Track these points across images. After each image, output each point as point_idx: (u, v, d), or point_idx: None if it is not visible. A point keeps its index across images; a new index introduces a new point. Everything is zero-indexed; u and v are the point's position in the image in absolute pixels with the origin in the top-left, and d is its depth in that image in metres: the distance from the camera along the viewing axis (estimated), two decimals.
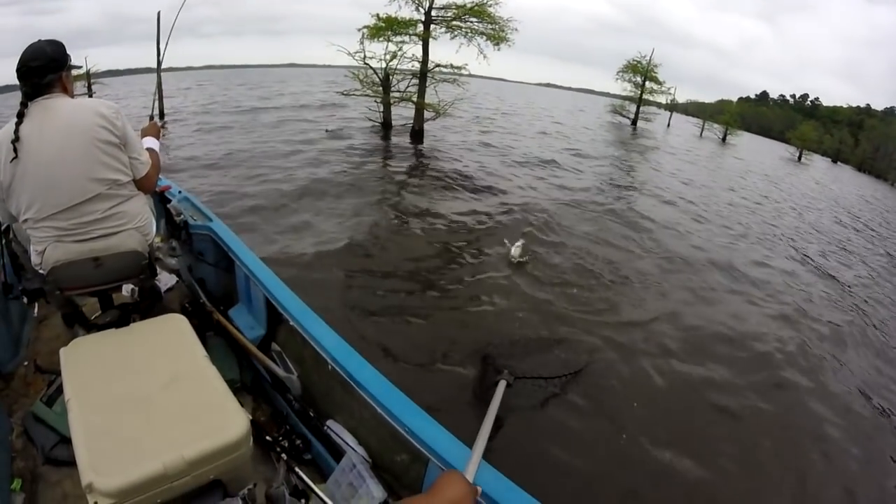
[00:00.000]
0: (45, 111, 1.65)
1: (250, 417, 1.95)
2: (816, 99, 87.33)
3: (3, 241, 2.27)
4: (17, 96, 1.74)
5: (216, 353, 2.14)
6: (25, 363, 2.33)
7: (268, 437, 1.88)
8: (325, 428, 1.77)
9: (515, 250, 4.89)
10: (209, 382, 1.41)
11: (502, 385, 2.17)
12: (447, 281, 5.18)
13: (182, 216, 2.71)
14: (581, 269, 5.64)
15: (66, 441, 1.65)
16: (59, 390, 1.82)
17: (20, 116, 1.64)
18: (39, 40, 1.75)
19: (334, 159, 10.38)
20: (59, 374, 1.50)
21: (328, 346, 1.67)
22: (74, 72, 1.93)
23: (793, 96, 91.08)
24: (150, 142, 2.06)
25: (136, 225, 1.82)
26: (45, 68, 1.67)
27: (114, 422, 1.26)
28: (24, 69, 1.67)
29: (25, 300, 2.26)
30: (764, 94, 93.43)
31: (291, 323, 1.88)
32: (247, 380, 2.23)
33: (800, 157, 36.31)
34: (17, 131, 1.61)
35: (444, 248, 6.00)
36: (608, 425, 3.40)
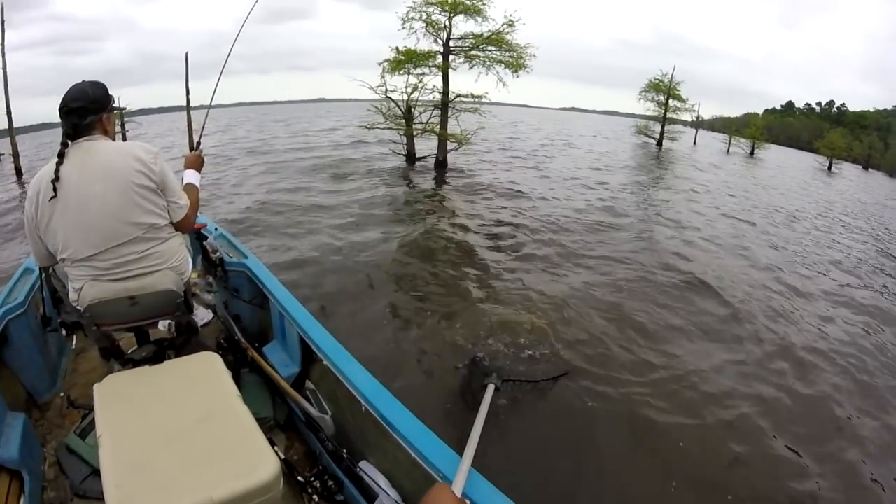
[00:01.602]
0: (85, 153, 1.68)
1: (282, 456, 1.89)
2: (843, 105, 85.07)
3: (43, 276, 2.35)
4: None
5: (250, 389, 2.15)
6: (61, 394, 2.36)
7: (300, 478, 1.88)
8: (358, 469, 1.73)
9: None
10: (241, 422, 1.40)
11: (491, 389, 2.19)
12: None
13: (218, 253, 2.75)
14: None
15: (98, 474, 1.58)
16: (94, 424, 1.73)
17: (61, 156, 1.66)
18: (83, 81, 1.77)
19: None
20: (92, 409, 1.50)
21: (361, 387, 1.67)
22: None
23: (819, 104, 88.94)
24: (191, 175, 2.07)
25: (172, 265, 1.83)
26: (85, 110, 1.69)
27: (144, 459, 1.27)
28: (65, 109, 1.68)
29: (64, 333, 2.31)
30: (789, 104, 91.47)
31: (325, 362, 1.88)
32: (280, 417, 2.21)
33: (830, 167, 35.13)
34: (57, 171, 1.63)
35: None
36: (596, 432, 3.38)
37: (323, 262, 6.21)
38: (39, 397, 2.32)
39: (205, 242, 2.84)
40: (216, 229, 3.10)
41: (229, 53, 2.50)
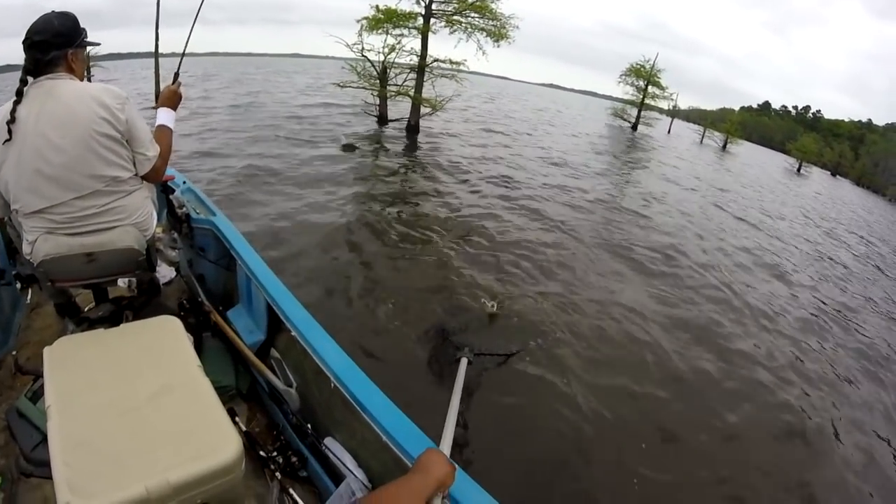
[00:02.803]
0: (46, 94, 1.52)
1: (244, 428, 1.83)
2: (818, 111, 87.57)
3: None
4: (15, 77, 1.56)
5: (212, 355, 2.05)
6: (14, 352, 2.22)
7: (262, 452, 1.79)
8: (323, 446, 1.65)
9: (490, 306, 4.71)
10: (202, 396, 1.32)
11: (464, 363, 2.15)
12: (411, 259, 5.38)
13: (184, 208, 2.59)
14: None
15: None
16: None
17: (19, 94, 1.51)
18: (52, 11, 1.60)
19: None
20: (42, 374, 1.40)
21: (331, 362, 1.57)
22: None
23: (795, 108, 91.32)
24: (165, 115, 1.88)
25: (135, 221, 1.69)
26: (48, 44, 1.52)
27: (96, 434, 1.17)
28: (28, 42, 1.52)
29: (18, 286, 2.18)
30: (766, 104, 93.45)
31: (293, 332, 1.76)
32: (243, 387, 2.09)
33: (799, 169, 36.34)
34: (13, 111, 1.48)
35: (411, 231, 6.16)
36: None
37: (289, 218, 6.14)
38: None
39: (171, 196, 2.66)
40: (184, 182, 2.93)
41: (200, 5, 2.31)
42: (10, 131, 1.48)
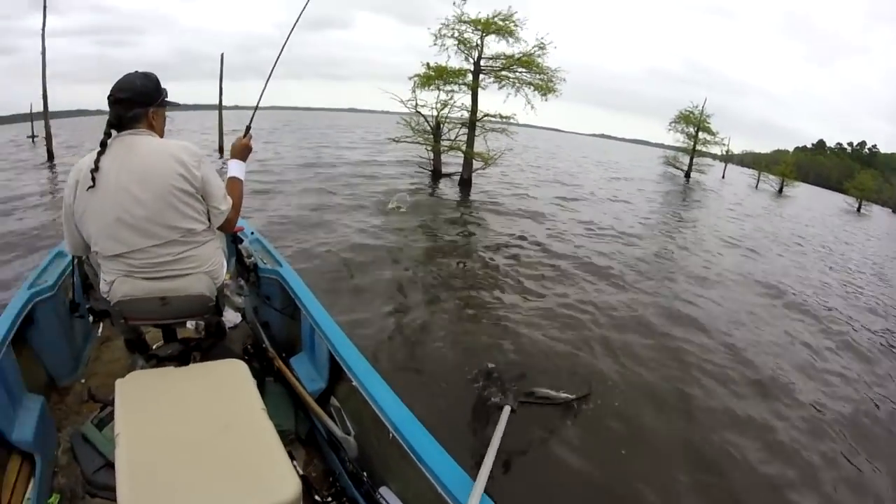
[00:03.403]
0: (127, 148, 1.63)
1: (301, 472, 1.82)
2: (874, 146, 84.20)
3: (76, 261, 2.33)
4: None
5: (273, 400, 2.08)
6: (82, 381, 2.38)
7: (317, 497, 1.84)
8: (378, 495, 1.69)
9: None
10: (263, 436, 1.35)
11: (506, 412, 2.09)
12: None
13: (252, 258, 2.72)
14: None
15: (111, 466, 1.60)
16: (112, 416, 1.70)
17: (103, 146, 1.63)
18: (135, 72, 1.73)
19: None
20: (111, 403, 1.48)
21: (389, 411, 1.61)
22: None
23: (850, 144, 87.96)
24: (236, 167, 1.99)
25: (207, 269, 1.79)
26: (131, 102, 1.65)
27: (160, 464, 1.23)
28: (112, 98, 1.65)
29: (91, 319, 2.30)
30: (821, 143, 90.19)
31: (354, 382, 1.84)
32: (302, 432, 2.14)
33: (859, 209, 34.26)
34: (97, 161, 1.60)
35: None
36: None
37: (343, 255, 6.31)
38: (60, 381, 2.31)
39: (240, 246, 2.80)
40: (252, 233, 3.08)
41: (276, 60, 2.43)
42: (93, 179, 1.58)
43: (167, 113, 1.85)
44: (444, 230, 8.79)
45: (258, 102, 2.40)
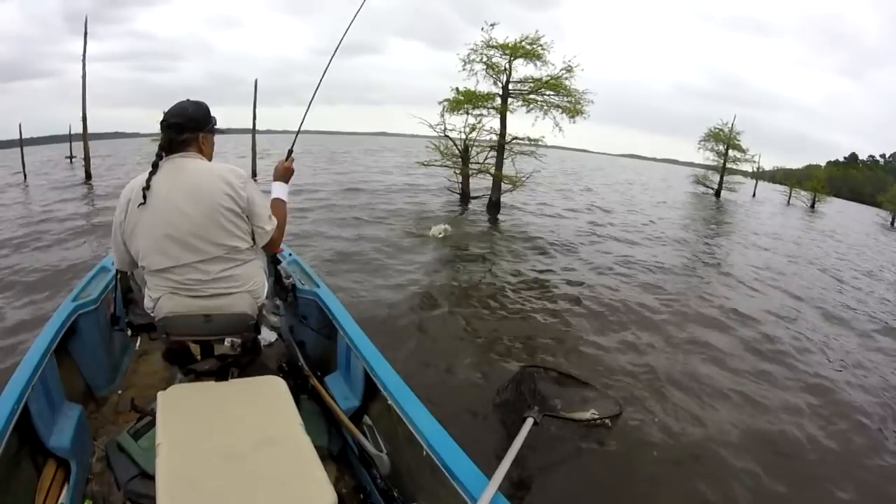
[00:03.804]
0: (177, 169, 1.74)
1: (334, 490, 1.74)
2: None
3: (118, 276, 2.41)
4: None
5: (307, 417, 2.19)
6: (119, 392, 2.47)
7: None
8: None
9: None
10: (301, 450, 1.39)
11: (529, 423, 2.08)
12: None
13: (291, 279, 2.80)
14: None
15: (145, 477, 1.67)
16: (148, 427, 1.84)
17: (154, 167, 1.73)
18: (187, 100, 1.85)
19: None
20: (152, 413, 1.53)
21: (424, 430, 1.64)
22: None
23: (882, 156, 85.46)
24: (279, 189, 2.07)
25: (249, 288, 1.85)
26: (182, 126, 1.76)
27: (200, 475, 1.26)
28: (165, 123, 1.77)
29: (129, 333, 2.37)
30: (853, 156, 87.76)
31: (389, 400, 1.87)
32: (334, 448, 2.20)
33: (893, 222, 32.92)
34: (149, 180, 1.70)
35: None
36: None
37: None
38: (97, 391, 2.41)
39: (279, 266, 2.89)
40: (290, 255, 3.19)
41: (318, 86, 2.55)
42: (144, 197, 1.68)
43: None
44: (473, 250, 8.83)
45: (300, 127, 2.53)
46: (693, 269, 9.45)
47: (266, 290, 1.99)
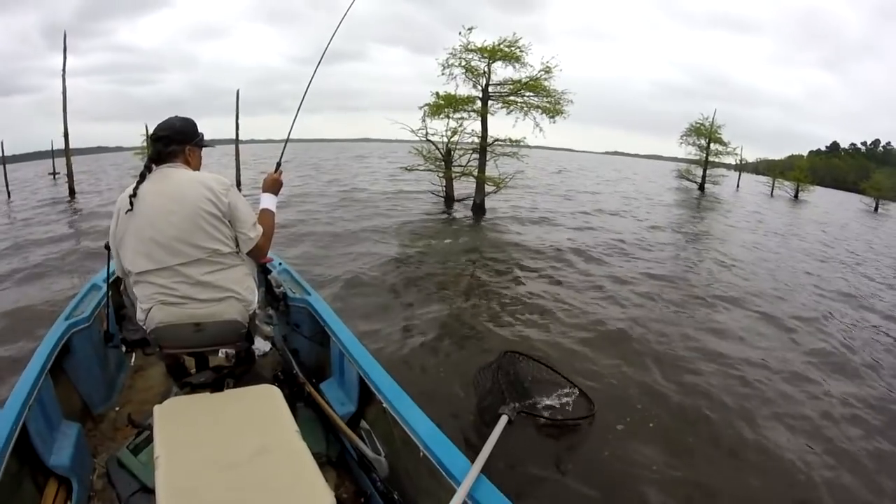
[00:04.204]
0: (163, 177, 1.84)
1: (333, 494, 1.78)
2: (888, 144, 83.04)
3: (110, 293, 2.46)
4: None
5: (304, 424, 2.16)
6: (117, 408, 2.49)
7: None
8: None
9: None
10: (299, 457, 1.40)
11: (503, 421, 2.07)
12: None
13: (282, 288, 2.84)
14: None
15: (146, 491, 1.70)
16: (147, 441, 1.86)
17: (142, 177, 1.85)
18: (175, 116, 1.98)
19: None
20: (149, 427, 1.54)
21: (420, 432, 1.67)
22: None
23: (864, 143, 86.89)
24: (267, 200, 2.12)
25: (237, 294, 1.87)
26: (169, 139, 1.88)
27: (199, 486, 1.27)
28: (154, 136, 1.90)
29: (124, 349, 2.40)
30: (835, 145, 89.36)
31: (384, 404, 1.90)
32: (332, 454, 2.21)
33: (876, 208, 33.76)
34: (136, 188, 1.82)
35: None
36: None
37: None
38: (95, 409, 2.42)
39: (269, 276, 2.93)
40: (280, 264, 3.23)
41: (303, 97, 2.61)
42: (131, 204, 1.79)
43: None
44: (457, 250, 8.89)
45: (287, 137, 2.57)
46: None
47: (257, 298, 2.02)
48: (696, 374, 4.51)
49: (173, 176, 1.84)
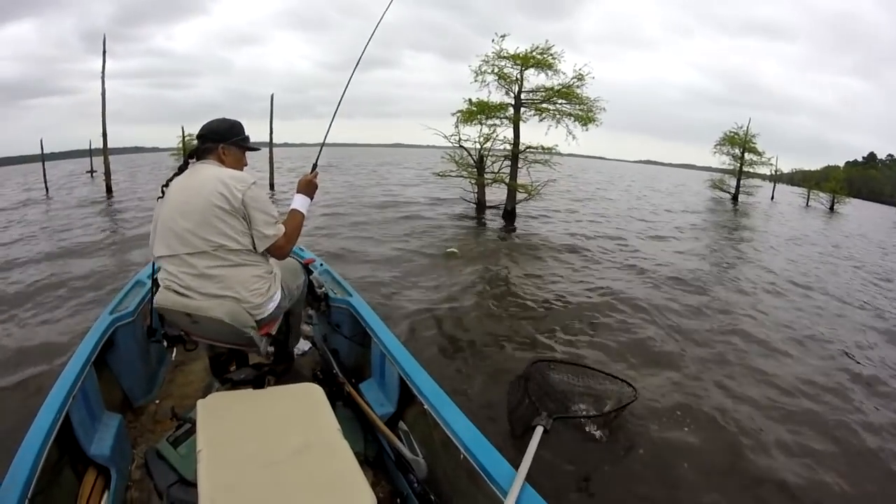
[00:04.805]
0: (193, 172, 1.94)
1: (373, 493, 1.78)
2: None
3: (153, 289, 2.49)
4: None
5: (343, 423, 2.20)
6: (157, 402, 2.55)
7: None
8: None
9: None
10: (340, 456, 1.41)
11: (539, 432, 2.00)
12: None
13: (323, 288, 2.86)
14: None
15: (184, 483, 1.71)
16: (187, 434, 1.90)
17: (180, 170, 1.99)
18: (221, 118, 2.07)
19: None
20: (190, 421, 1.56)
21: (461, 434, 1.64)
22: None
23: None
24: (298, 201, 2.14)
25: (237, 295, 1.86)
26: (205, 138, 2.00)
27: (241, 481, 1.28)
28: (197, 134, 2.04)
29: (165, 344, 2.45)
30: (871, 156, 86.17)
31: (425, 405, 1.89)
32: (370, 454, 2.21)
33: None
34: (170, 179, 1.96)
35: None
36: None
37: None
38: (136, 401, 2.48)
39: (311, 276, 2.93)
40: (321, 265, 3.29)
41: (339, 101, 2.66)
42: (163, 193, 1.94)
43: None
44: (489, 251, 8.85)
45: (324, 140, 2.63)
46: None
47: (274, 303, 2.01)
48: None
49: (200, 171, 1.92)
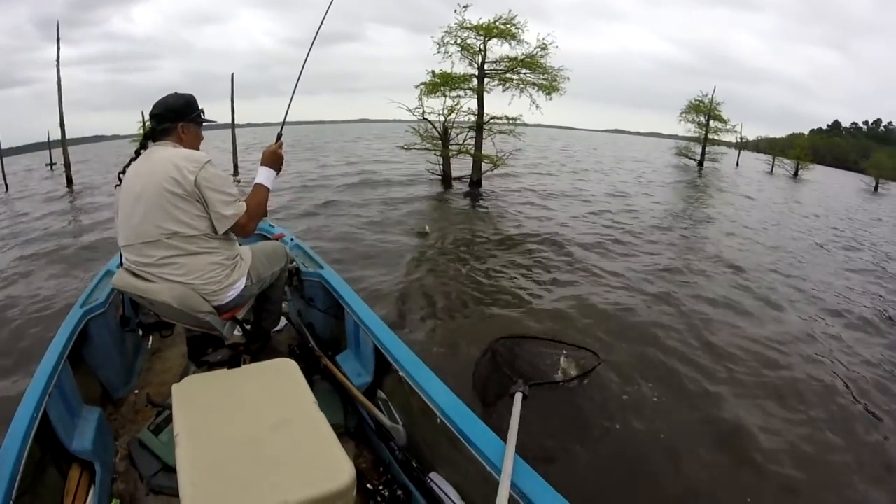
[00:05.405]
0: (148, 155, 1.82)
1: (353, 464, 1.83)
2: (890, 123, 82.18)
3: None
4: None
5: (322, 396, 2.15)
6: (136, 391, 2.49)
7: (368, 486, 1.90)
8: (428, 480, 1.75)
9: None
10: (318, 429, 1.41)
11: (519, 399, 2.01)
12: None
13: (294, 263, 2.79)
14: None
15: (168, 470, 1.72)
16: (167, 421, 1.88)
17: (137, 154, 1.86)
18: (173, 93, 1.93)
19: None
20: (169, 407, 1.55)
21: (438, 399, 1.66)
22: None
23: (865, 123, 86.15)
24: (263, 174, 1.98)
25: (193, 282, 1.79)
26: (161, 116, 1.85)
27: (220, 460, 1.28)
28: (150, 114, 1.88)
29: (140, 333, 2.38)
30: (836, 124, 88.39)
31: (400, 373, 1.89)
32: (351, 425, 2.22)
33: (876, 188, 33.34)
34: (126, 165, 1.85)
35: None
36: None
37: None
38: (115, 393, 2.42)
39: None
40: (292, 240, 3.22)
41: (298, 79, 2.52)
42: (120, 180, 1.84)
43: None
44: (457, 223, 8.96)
45: (285, 115, 2.48)
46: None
47: (239, 287, 1.94)
48: None
49: (154, 154, 1.79)
